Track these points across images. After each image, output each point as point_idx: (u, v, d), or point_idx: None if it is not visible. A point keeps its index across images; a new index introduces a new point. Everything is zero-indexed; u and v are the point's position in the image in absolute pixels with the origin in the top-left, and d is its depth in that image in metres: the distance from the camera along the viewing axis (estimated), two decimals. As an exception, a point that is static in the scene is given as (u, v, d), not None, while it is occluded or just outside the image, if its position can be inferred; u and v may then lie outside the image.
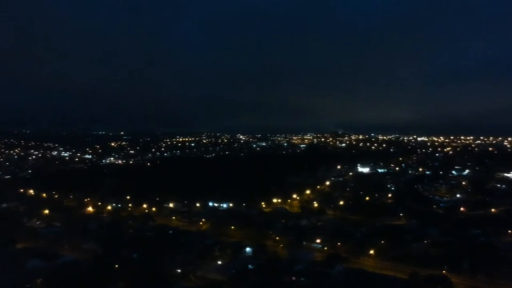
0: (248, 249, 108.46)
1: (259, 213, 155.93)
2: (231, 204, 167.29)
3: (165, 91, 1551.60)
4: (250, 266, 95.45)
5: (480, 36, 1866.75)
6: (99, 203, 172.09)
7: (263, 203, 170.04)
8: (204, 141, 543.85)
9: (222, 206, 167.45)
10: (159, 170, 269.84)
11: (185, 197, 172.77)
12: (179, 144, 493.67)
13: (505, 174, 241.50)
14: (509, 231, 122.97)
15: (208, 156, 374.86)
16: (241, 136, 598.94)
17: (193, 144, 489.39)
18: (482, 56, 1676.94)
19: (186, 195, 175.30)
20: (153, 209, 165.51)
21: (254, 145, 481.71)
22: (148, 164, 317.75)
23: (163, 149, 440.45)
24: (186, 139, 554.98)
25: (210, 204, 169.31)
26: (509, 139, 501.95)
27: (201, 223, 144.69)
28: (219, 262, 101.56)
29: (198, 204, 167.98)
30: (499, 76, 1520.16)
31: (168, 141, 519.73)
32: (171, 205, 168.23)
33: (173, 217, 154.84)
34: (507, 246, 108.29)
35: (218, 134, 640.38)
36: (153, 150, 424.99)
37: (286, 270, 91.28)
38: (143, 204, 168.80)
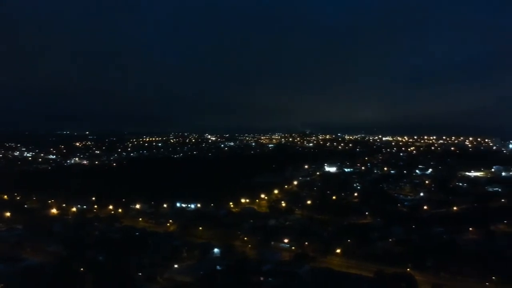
0: (216, 250, 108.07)
1: (227, 213, 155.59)
2: (199, 205, 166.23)
3: (131, 90, 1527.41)
4: (218, 267, 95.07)
5: (443, 40, 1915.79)
6: (64, 205, 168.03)
7: (231, 203, 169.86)
8: (172, 141, 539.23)
9: (190, 207, 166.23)
10: (125, 171, 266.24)
11: (152, 198, 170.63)
12: (146, 144, 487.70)
13: (466, 173, 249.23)
14: (470, 229, 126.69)
15: (175, 156, 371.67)
16: (209, 136, 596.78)
17: (160, 144, 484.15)
18: (445, 59, 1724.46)
19: (153, 196, 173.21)
20: (119, 210, 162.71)
21: (222, 145, 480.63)
22: (114, 164, 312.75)
23: (129, 149, 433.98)
24: (153, 138, 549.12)
25: (178, 204, 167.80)
26: (470, 139, 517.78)
27: (168, 224, 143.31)
28: (187, 264, 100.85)
29: (165, 205, 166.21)
30: (461, 78, 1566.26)
31: (135, 141, 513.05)
32: (137, 206, 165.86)
33: (140, 219, 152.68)
34: (468, 244, 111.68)
35: (186, 134, 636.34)
36: (119, 150, 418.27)
37: (254, 271, 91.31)
38: (109, 206, 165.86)
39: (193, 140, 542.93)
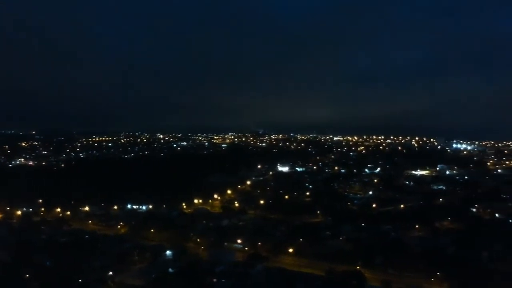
0: (168, 252, 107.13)
1: (179, 214, 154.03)
2: (150, 206, 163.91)
3: (80, 89, 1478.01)
4: (170, 270, 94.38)
5: (392, 41, 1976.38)
6: (8, 208, 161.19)
7: (183, 204, 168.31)
8: (122, 140, 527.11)
9: (141, 208, 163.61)
10: (74, 172, 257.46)
11: (102, 200, 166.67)
12: (96, 144, 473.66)
13: (413, 172, 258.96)
14: (417, 226, 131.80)
15: (126, 157, 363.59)
16: (161, 136, 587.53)
17: (110, 144, 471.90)
18: (394, 60, 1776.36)
19: (103, 197, 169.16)
20: (68, 213, 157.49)
21: (175, 145, 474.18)
22: (63, 165, 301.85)
23: (78, 149, 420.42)
24: (103, 138, 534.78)
25: (129, 206, 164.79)
26: (416, 138, 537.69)
27: (119, 226, 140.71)
28: (138, 267, 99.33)
29: (115, 207, 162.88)
30: (408, 80, 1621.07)
31: (84, 141, 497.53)
32: (86, 208, 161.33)
33: (90, 221, 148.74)
34: (414, 241, 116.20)
35: (137, 134, 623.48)
36: (68, 150, 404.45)
37: (207, 272, 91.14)
38: (56, 208, 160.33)
39: (145, 140, 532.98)
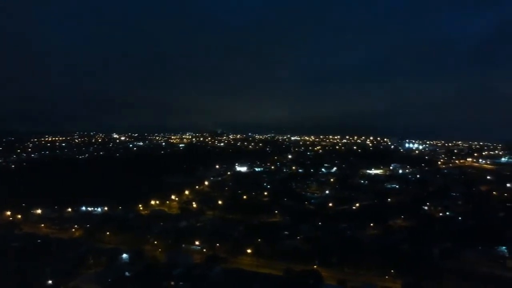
0: (125, 255, 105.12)
1: (136, 216, 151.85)
2: (106, 208, 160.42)
3: (33, 87, 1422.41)
4: (127, 274, 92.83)
5: (349, 42, 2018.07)
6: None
7: (140, 205, 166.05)
8: (76, 140, 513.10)
9: (97, 210, 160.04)
10: (25, 173, 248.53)
11: (55, 202, 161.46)
12: (49, 144, 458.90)
13: (368, 171, 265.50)
14: (371, 224, 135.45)
15: (80, 157, 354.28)
16: (116, 136, 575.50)
17: (64, 144, 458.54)
18: (351, 60, 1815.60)
19: (57, 200, 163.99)
20: (19, 216, 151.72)
21: (131, 145, 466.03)
22: (13, 166, 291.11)
23: (30, 149, 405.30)
24: (56, 138, 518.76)
25: (83, 208, 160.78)
26: (371, 138, 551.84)
27: (73, 229, 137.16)
28: (94, 271, 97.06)
29: (69, 209, 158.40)
30: (362, 80, 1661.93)
31: (36, 141, 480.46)
32: (39, 211, 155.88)
33: (42, 224, 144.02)
34: (369, 239, 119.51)
35: (92, 134, 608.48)
36: (18, 151, 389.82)
37: (164, 275, 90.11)
38: (6, 211, 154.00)
39: (100, 140, 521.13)
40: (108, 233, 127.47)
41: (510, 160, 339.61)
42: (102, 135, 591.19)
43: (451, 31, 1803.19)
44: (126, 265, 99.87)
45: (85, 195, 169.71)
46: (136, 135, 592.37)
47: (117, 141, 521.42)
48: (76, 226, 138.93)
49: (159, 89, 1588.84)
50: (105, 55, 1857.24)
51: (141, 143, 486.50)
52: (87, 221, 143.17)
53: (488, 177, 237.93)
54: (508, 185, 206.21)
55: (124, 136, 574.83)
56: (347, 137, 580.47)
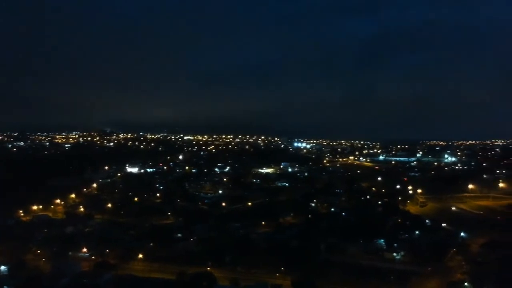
0: (3, 267, 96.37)
1: (16, 223, 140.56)
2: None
3: None
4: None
5: (241, 42, 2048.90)
6: None
7: (20, 211, 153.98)
8: None
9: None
10: None
11: None
12: None
13: (259, 170, 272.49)
14: (263, 222, 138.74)
15: None
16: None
17: None
18: (243, 60, 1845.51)
19: None
20: None
21: (10, 145, 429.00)
22: None
23: None
24: None
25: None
26: (263, 137, 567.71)
27: None
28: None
29: None
30: (254, 81, 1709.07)
31: None
32: None
33: None
34: (261, 237, 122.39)
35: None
36: None
37: (49, 287, 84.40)
38: None
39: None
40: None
41: (387, 158, 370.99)
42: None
43: (338, 36, 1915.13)
44: (5, 278, 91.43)
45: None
46: (15, 134, 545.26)
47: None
48: None
49: (42, 84, 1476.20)
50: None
51: (22, 143, 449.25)
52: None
53: (368, 174, 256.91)
54: (384, 181, 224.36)
55: (2, 135, 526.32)
56: (239, 136, 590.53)
